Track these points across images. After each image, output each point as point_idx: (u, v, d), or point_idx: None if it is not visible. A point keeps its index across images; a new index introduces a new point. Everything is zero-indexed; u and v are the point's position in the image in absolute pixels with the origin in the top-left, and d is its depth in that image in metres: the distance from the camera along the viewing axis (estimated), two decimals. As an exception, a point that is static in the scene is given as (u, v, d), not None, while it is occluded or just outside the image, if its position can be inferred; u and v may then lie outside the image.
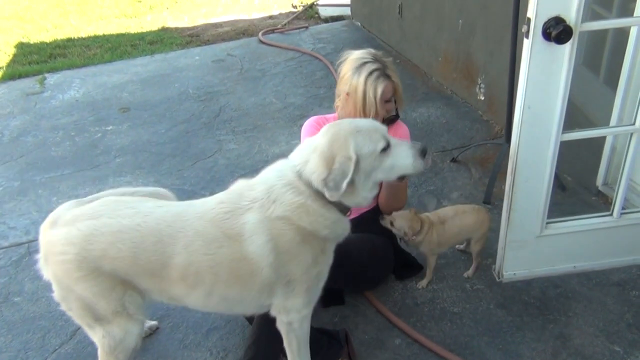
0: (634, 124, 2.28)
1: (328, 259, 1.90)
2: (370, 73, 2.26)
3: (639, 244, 2.53)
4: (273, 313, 1.92)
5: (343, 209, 1.84)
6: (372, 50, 2.36)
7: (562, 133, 2.22)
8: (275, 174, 1.84)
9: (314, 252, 1.82)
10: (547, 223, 2.44)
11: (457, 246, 2.72)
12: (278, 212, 1.76)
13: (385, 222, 2.41)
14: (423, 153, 1.84)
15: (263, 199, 1.78)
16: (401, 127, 2.46)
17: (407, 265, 2.61)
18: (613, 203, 2.47)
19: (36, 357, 2.36)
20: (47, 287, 2.72)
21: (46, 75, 5.77)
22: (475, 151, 3.63)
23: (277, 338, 1.99)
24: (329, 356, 2.16)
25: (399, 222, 2.40)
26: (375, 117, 2.28)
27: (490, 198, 3.12)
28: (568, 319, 2.34)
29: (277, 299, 1.87)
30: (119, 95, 5.14)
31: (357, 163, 1.73)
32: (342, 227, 1.87)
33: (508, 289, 2.52)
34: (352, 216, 2.51)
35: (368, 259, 2.37)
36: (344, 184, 1.70)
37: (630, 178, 2.47)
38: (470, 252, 2.61)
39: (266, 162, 3.77)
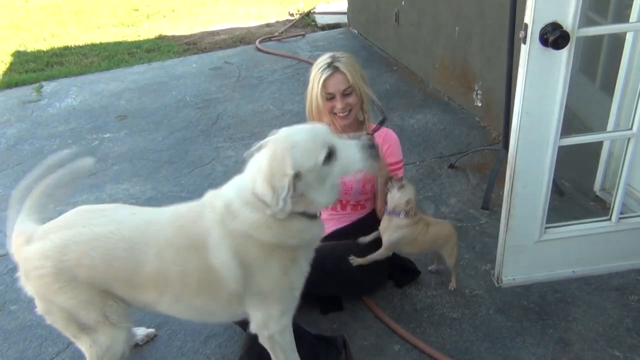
0: (631, 128, 2.29)
1: (300, 268, 1.86)
2: (318, 69, 2.29)
3: (637, 249, 2.53)
4: (253, 330, 1.89)
5: (309, 215, 1.80)
6: (337, 53, 2.35)
7: (560, 138, 2.23)
8: (234, 190, 1.81)
9: (282, 263, 1.79)
10: (546, 228, 2.44)
11: (429, 267, 2.67)
12: (239, 228, 1.74)
13: (393, 185, 2.31)
14: (372, 148, 1.78)
15: (224, 213, 1.76)
16: (389, 133, 2.47)
17: (404, 271, 2.61)
18: (611, 208, 2.47)
19: (33, 365, 2.34)
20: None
21: (43, 83, 5.77)
22: (472, 157, 3.64)
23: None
24: (333, 350, 2.16)
25: (409, 191, 2.31)
26: (331, 112, 2.31)
27: (489, 204, 3.12)
28: (568, 323, 2.34)
29: (250, 310, 1.85)
30: (116, 103, 5.14)
31: (299, 177, 1.67)
32: (311, 233, 1.83)
33: (507, 294, 2.51)
34: (344, 224, 2.52)
35: (361, 267, 2.35)
36: (288, 202, 1.66)
37: (628, 183, 2.48)
38: (439, 270, 2.64)
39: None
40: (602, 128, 2.88)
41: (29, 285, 1.82)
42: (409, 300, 2.53)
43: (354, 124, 2.41)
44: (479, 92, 4.13)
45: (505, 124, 3.12)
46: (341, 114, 2.32)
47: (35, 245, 1.79)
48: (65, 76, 5.95)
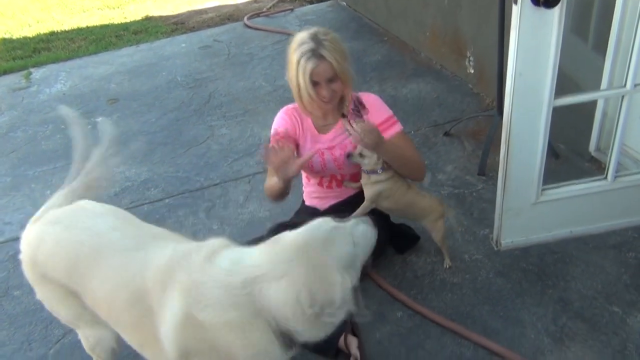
0: (624, 86, 2.28)
1: None
2: (302, 55, 2.16)
3: (633, 206, 2.55)
4: None
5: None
6: (316, 29, 2.23)
7: (554, 99, 2.22)
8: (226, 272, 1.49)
9: None
10: (543, 190, 2.45)
11: None
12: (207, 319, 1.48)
13: (355, 157, 2.27)
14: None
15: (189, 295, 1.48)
16: (366, 97, 2.43)
17: (404, 238, 2.62)
18: (607, 167, 2.48)
19: (40, 348, 2.37)
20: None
21: (31, 70, 5.71)
22: (467, 124, 3.64)
23: None
24: (333, 334, 2.17)
25: (370, 154, 2.24)
26: (317, 100, 2.23)
27: (485, 170, 3.13)
28: (566, 283, 2.37)
29: None
30: (107, 87, 5.10)
31: None
32: None
33: (506, 257, 2.54)
34: (337, 201, 2.53)
35: None
36: None
37: (623, 142, 2.48)
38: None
39: (259, 146, 3.78)
40: (596, 88, 2.87)
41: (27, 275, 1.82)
42: (409, 268, 2.55)
43: (335, 103, 2.37)
44: (471, 58, 4.10)
45: (498, 89, 3.11)
46: (325, 100, 2.27)
47: (27, 228, 1.78)
48: (53, 62, 5.88)
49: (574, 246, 2.55)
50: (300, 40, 2.20)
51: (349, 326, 2.18)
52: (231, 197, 3.28)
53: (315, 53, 2.15)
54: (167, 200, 3.30)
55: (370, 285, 2.46)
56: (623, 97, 2.32)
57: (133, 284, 1.56)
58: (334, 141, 2.39)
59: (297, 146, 2.43)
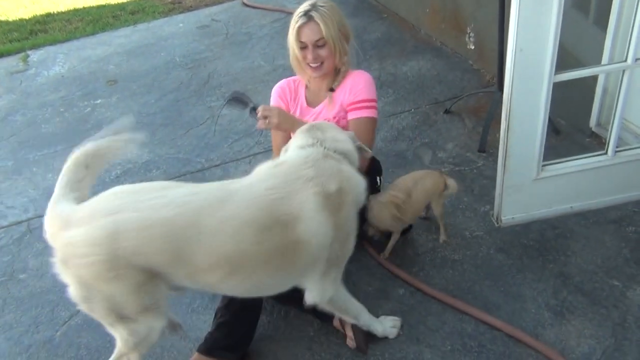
0: (625, 60, 2.27)
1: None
2: (295, 16, 2.26)
3: (634, 181, 2.56)
4: (311, 300, 1.90)
5: None
6: (319, 1, 2.28)
7: (555, 74, 2.21)
8: (308, 151, 1.87)
9: (355, 222, 1.86)
10: (543, 166, 2.46)
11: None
12: (333, 187, 1.76)
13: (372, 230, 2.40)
14: None
15: (316, 176, 1.76)
16: (359, 74, 2.40)
17: None
18: (607, 141, 2.48)
19: (47, 330, 2.40)
20: (51, 262, 2.77)
21: (29, 52, 5.66)
22: (467, 101, 3.62)
23: (252, 306, 2.07)
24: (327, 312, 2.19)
25: (382, 213, 2.34)
26: (304, 64, 2.30)
27: (485, 146, 3.13)
28: (567, 258, 2.39)
29: (310, 280, 1.86)
30: (105, 68, 5.07)
31: None
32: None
33: (507, 234, 2.55)
34: None
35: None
36: None
37: (623, 117, 2.48)
38: (430, 217, 2.62)
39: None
40: (597, 63, 2.85)
41: (67, 271, 1.69)
42: (410, 245, 2.57)
43: (329, 74, 2.39)
44: (471, 34, 4.07)
45: (499, 65, 3.09)
46: (312, 65, 2.29)
47: (79, 231, 1.64)
48: (51, 44, 5.82)
49: (575, 221, 2.56)
50: (300, 6, 2.29)
51: None
52: (232, 177, 3.27)
53: (306, 14, 2.23)
54: (168, 182, 3.31)
55: (372, 264, 2.49)
56: (624, 71, 2.31)
57: (260, 220, 1.69)
58: (320, 115, 2.40)
59: None
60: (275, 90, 2.52)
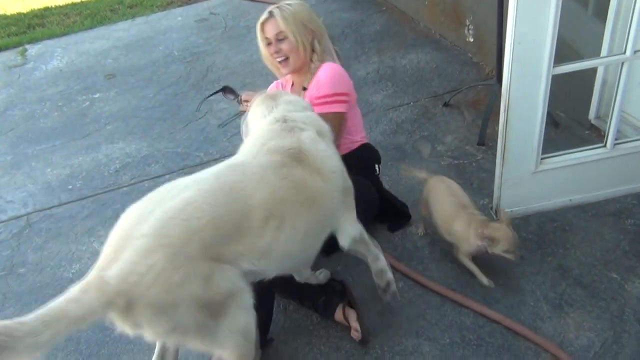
0: (624, 52, 2.26)
1: None
2: (261, 16, 2.42)
3: (632, 174, 2.56)
4: (347, 241, 2.00)
5: None
6: (288, 1, 2.40)
7: (554, 67, 2.21)
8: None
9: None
10: (542, 159, 2.46)
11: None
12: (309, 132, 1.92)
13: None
14: None
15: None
16: (326, 67, 2.38)
17: (397, 216, 2.64)
18: (606, 134, 2.48)
19: (47, 324, 2.40)
20: (51, 256, 2.78)
21: (27, 46, 5.65)
22: (466, 94, 3.62)
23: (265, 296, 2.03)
24: (329, 306, 2.20)
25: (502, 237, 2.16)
26: (270, 58, 2.43)
27: (484, 139, 3.13)
28: (566, 251, 2.39)
29: (341, 221, 1.97)
30: (103, 62, 5.06)
31: None
32: None
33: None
34: None
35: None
36: None
37: (622, 109, 2.47)
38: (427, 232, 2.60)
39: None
40: (596, 55, 2.85)
41: (135, 313, 1.48)
42: (409, 239, 2.57)
43: (302, 71, 2.44)
44: (470, 27, 4.06)
45: (498, 58, 3.09)
46: (278, 59, 2.38)
47: (124, 256, 1.48)
48: (49, 38, 5.82)
49: (573, 214, 2.56)
50: None
51: (346, 299, 2.21)
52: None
53: (269, 12, 2.36)
54: (167, 176, 3.30)
55: (371, 257, 2.49)
56: (623, 63, 2.30)
57: (269, 157, 1.80)
58: None
59: None
60: (275, 82, 2.62)
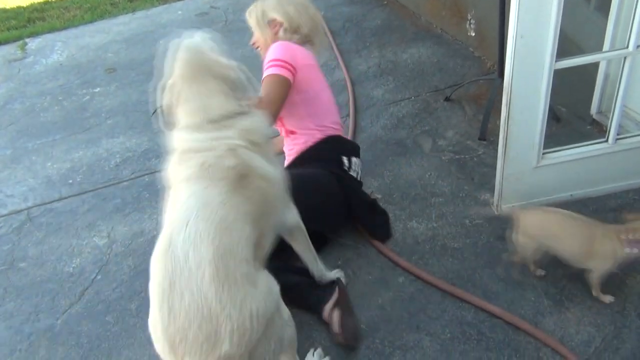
0: (627, 47, 2.25)
1: None
2: None
3: (634, 169, 2.55)
4: (291, 229, 2.08)
5: None
6: None
7: (556, 61, 2.20)
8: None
9: None
10: (544, 154, 2.45)
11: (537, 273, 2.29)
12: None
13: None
14: None
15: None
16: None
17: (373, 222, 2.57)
18: (608, 129, 2.47)
19: (47, 318, 2.40)
20: (51, 251, 2.78)
21: (27, 40, 5.64)
22: (468, 89, 3.60)
23: None
24: (319, 300, 2.19)
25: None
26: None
27: (486, 134, 3.12)
28: (567, 246, 2.38)
29: (284, 212, 2.01)
30: (104, 56, 5.05)
31: None
32: None
33: (507, 222, 2.54)
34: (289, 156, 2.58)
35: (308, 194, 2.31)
36: None
37: (624, 104, 2.46)
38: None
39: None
40: (598, 50, 2.83)
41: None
42: (410, 234, 2.57)
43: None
44: (472, 21, 4.04)
45: (499, 52, 3.07)
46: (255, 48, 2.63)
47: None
48: (49, 31, 5.81)
49: (574, 209, 2.52)
50: None
51: (335, 298, 2.18)
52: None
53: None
54: (168, 170, 3.30)
55: (372, 252, 2.49)
56: (625, 58, 2.29)
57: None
58: None
59: None
60: None
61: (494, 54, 3.31)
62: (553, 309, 2.12)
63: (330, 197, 2.43)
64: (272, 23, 2.52)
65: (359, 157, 2.64)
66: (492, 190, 2.62)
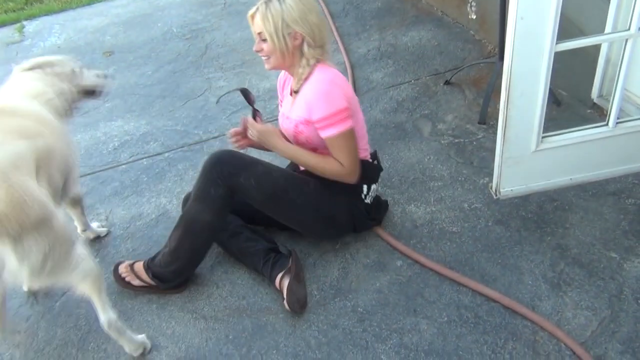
0: (629, 29, 2.23)
1: None
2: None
3: (634, 153, 2.53)
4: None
5: None
6: None
7: (556, 43, 2.17)
8: None
9: None
10: (543, 137, 2.43)
11: None
12: None
13: None
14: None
15: None
16: (311, 85, 2.17)
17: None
18: (608, 113, 2.45)
19: (46, 300, 2.41)
20: None
21: (24, 22, 5.59)
22: (468, 72, 3.58)
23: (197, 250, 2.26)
24: (275, 268, 2.27)
25: None
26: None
27: (485, 118, 3.10)
28: (565, 230, 2.38)
29: None
30: (102, 39, 5.00)
31: None
32: None
33: (505, 206, 2.54)
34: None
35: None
36: None
37: (625, 87, 2.44)
38: None
39: (258, 97, 3.71)
40: (599, 32, 2.80)
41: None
42: (408, 218, 2.56)
43: (290, 70, 2.25)
44: (473, 4, 3.99)
45: (500, 35, 3.04)
46: (262, 56, 2.18)
47: None
48: (47, 14, 5.75)
49: (574, 193, 2.55)
50: None
51: (287, 267, 2.24)
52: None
53: (258, 5, 2.10)
54: (166, 154, 3.29)
55: (370, 235, 2.48)
56: (627, 40, 2.26)
57: None
58: (290, 111, 2.31)
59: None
60: (280, 77, 2.47)
61: (495, 37, 3.28)
62: (550, 293, 2.12)
63: (339, 230, 2.46)
64: (293, 36, 2.10)
65: (378, 182, 2.45)
66: (491, 174, 2.61)
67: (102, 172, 3.21)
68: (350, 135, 2.17)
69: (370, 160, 2.38)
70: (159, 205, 2.86)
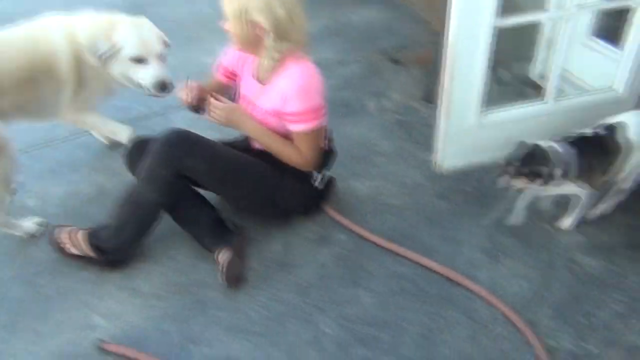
0: (567, 8, 2.28)
1: None
2: None
3: (572, 128, 2.60)
4: None
5: None
6: None
7: (497, 19, 2.20)
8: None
9: None
10: (483, 113, 2.47)
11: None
12: None
13: None
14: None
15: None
16: (288, 77, 2.12)
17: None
18: (546, 89, 2.51)
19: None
20: None
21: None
22: (415, 50, 3.60)
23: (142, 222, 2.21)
24: (218, 242, 2.22)
25: None
26: None
27: (430, 96, 3.13)
28: (504, 203, 2.43)
29: None
30: (41, 11, 4.77)
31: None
32: None
33: (448, 181, 2.58)
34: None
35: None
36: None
37: (564, 67, 2.50)
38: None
39: (202, 74, 3.63)
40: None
41: None
42: (352, 193, 2.57)
43: (254, 56, 2.20)
44: (421, -17, 4.02)
45: (447, 14, 3.06)
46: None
47: None
48: None
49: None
50: None
51: (231, 243, 2.21)
52: (174, 126, 3.17)
53: None
54: (107, 130, 3.17)
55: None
56: (566, 20, 2.31)
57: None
58: (258, 94, 2.24)
59: (236, 76, 2.41)
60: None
61: (442, 16, 3.29)
62: (487, 263, 2.17)
63: (288, 213, 2.44)
64: (254, 25, 2.01)
65: (330, 168, 2.43)
66: (434, 150, 2.64)
67: (36, 151, 3.08)
68: (319, 133, 2.21)
69: (327, 150, 2.37)
70: (96, 183, 2.77)
